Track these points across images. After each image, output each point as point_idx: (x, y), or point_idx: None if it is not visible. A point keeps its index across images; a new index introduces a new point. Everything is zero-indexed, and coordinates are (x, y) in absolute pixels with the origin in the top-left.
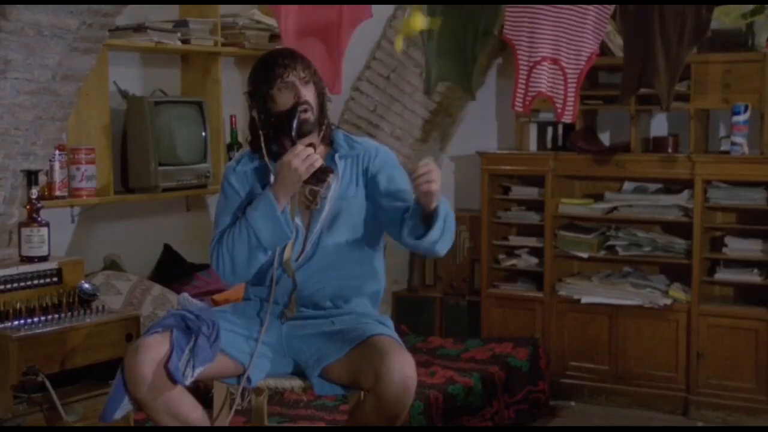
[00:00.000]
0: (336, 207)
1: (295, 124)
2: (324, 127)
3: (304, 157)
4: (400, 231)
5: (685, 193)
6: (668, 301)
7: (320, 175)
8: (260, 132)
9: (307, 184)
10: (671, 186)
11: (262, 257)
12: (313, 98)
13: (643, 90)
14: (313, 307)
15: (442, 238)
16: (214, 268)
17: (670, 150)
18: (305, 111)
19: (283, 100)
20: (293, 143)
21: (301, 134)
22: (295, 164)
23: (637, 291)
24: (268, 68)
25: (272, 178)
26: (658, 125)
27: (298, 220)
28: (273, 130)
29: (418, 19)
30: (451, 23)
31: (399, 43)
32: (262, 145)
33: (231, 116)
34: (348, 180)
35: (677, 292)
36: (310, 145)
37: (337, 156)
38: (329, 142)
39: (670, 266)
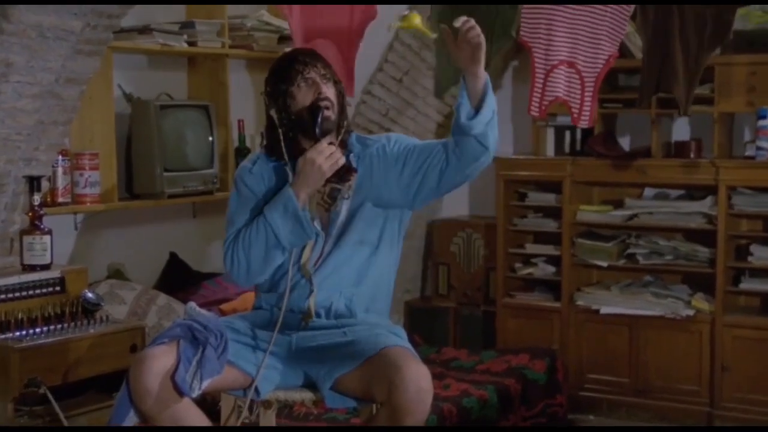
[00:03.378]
0: (355, 211)
1: (319, 120)
2: (343, 130)
3: (328, 154)
4: (451, 139)
5: (709, 199)
6: (691, 312)
7: (344, 174)
8: (279, 131)
9: (330, 182)
10: (694, 192)
11: (279, 257)
12: (334, 96)
13: (663, 93)
14: (326, 315)
15: (492, 121)
16: (227, 268)
17: (692, 155)
18: (327, 108)
19: (303, 97)
20: (317, 140)
21: (323, 132)
22: (319, 161)
23: (658, 301)
24: (287, 66)
25: (290, 178)
26: (680, 129)
27: (316, 223)
28: (292, 129)
29: (415, 18)
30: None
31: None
32: (282, 144)
33: (239, 120)
34: (366, 180)
35: (700, 302)
36: (330, 144)
37: (351, 156)
38: (344, 144)
39: (692, 275)
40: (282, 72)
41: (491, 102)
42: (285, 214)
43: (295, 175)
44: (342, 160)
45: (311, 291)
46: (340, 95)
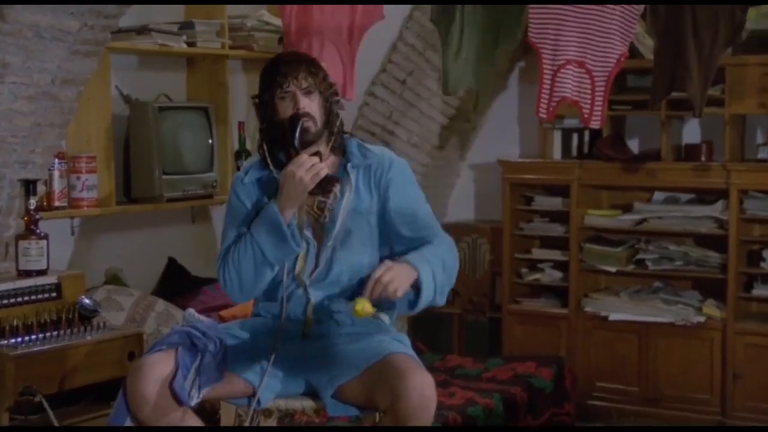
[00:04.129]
0: (349, 222)
1: (297, 134)
2: (335, 136)
3: (309, 166)
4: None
5: (720, 203)
6: (702, 319)
7: (326, 185)
8: (264, 143)
9: (313, 195)
10: (705, 196)
11: (269, 273)
12: (317, 107)
13: (674, 94)
14: (327, 322)
15: (435, 299)
16: (222, 287)
17: (703, 158)
18: (306, 121)
19: (284, 110)
20: (296, 153)
21: (302, 144)
22: (299, 174)
23: (668, 308)
24: (269, 76)
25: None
26: (691, 132)
27: (308, 233)
28: (276, 140)
29: (366, 305)
30: (473, 24)
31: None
32: (266, 155)
33: (239, 123)
34: (362, 192)
35: (711, 308)
36: (316, 153)
37: (349, 166)
38: (342, 151)
39: (703, 281)
40: (264, 82)
41: (427, 295)
42: (269, 230)
43: (278, 190)
44: (324, 171)
45: (308, 300)
46: (328, 102)
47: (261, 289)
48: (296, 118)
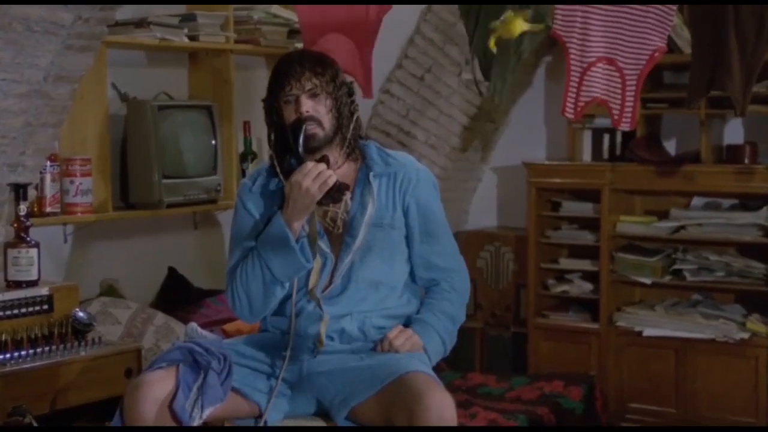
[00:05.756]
0: (371, 235)
1: (301, 140)
2: (348, 140)
3: (315, 174)
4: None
5: (765, 209)
6: (745, 335)
7: (335, 194)
8: (271, 149)
9: (321, 205)
10: (748, 202)
11: (279, 292)
12: (325, 110)
13: (714, 92)
14: (340, 339)
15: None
16: (230, 307)
17: (746, 160)
18: (311, 126)
19: (289, 114)
20: (301, 161)
21: (307, 151)
22: (305, 184)
23: (708, 323)
24: (274, 78)
25: None
26: (733, 132)
27: (323, 245)
28: (285, 146)
29: (518, 24)
30: (492, 15)
31: (492, 44)
32: (275, 162)
33: (245, 122)
34: (384, 203)
35: (756, 324)
36: (322, 159)
37: (371, 175)
38: (360, 156)
39: (747, 294)
40: (270, 85)
41: (434, 361)
42: (277, 246)
43: (284, 201)
44: (332, 179)
45: (321, 317)
46: (339, 104)
47: (273, 308)
48: (299, 123)
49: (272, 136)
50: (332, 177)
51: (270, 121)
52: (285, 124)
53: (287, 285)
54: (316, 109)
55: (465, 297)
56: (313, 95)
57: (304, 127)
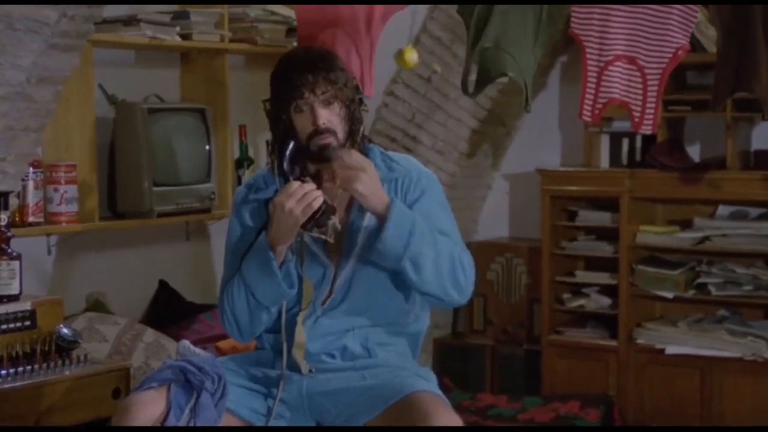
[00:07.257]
0: (371, 241)
1: (287, 154)
2: (359, 142)
3: (300, 196)
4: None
5: None
6: None
7: (320, 218)
8: (271, 157)
9: (305, 230)
10: None
11: (265, 318)
12: (339, 119)
13: (740, 94)
14: (341, 356)
15: (401, 254)
16: (221, 325)
17: None
18: (326, 138)
19: (301, 124)
20: (286, 180)
21: (323, 160)
22: (288, 206)
23: (735, 340)
24: (281, 84)
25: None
26: (762, 136)
27: (321, 254)
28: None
29: (409, 55)
30: (510, 11)
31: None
32: (275, 171)
33: (240, 126)
34: None
35: None
36: (316, 175)
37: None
38: None
39: None
40: (277, 91)
41: (393, 234)
42: (260, 270)
43: (269, 223)
44: (318, 201)
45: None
46: (350, 111)
47: (259, 331)
48: (287, 138)
49: (275, 144)
50: (318, 199)
51: (276, 128)
52: (296, 134)
53: (274, 309)
54: (330, 119)
55: (465, 263)
56: (328, 103)
57: (290, 141)
